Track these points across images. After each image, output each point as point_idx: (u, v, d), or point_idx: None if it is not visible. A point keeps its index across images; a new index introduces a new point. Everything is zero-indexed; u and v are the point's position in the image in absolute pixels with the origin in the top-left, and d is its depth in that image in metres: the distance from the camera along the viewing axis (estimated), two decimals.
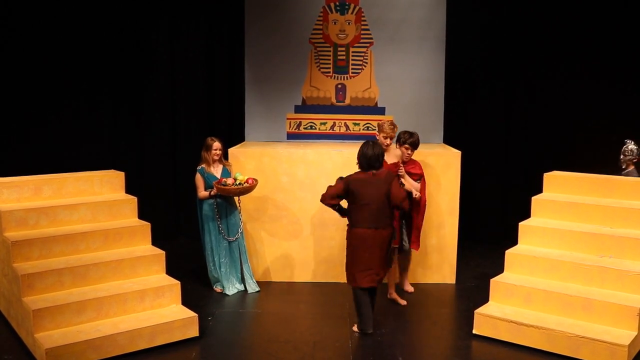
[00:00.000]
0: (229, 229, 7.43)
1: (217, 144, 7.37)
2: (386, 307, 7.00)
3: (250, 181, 7.27)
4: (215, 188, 7.21)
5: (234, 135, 8.91)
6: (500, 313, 6.25)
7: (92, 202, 6.70)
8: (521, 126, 9.58)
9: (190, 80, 9.57)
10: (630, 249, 6.30)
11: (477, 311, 6.37)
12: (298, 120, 8.75)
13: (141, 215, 7.00)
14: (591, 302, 5.99)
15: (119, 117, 9.54)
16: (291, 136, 8.76)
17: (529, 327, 6.01)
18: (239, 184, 7.22)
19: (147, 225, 6.79)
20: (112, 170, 7.31)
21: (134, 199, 6.97)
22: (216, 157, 7.37)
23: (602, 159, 8.67)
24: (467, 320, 6.53)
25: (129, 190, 7.19)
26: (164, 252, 6.65)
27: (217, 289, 7.54)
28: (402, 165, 7.01)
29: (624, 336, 5.72)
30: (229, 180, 7.21)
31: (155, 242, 6.87)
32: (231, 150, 7.90)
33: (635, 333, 5.77)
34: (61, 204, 6.58)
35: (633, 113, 8.99)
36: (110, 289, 6.13)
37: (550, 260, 6.43)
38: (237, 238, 7.47)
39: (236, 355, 5.93)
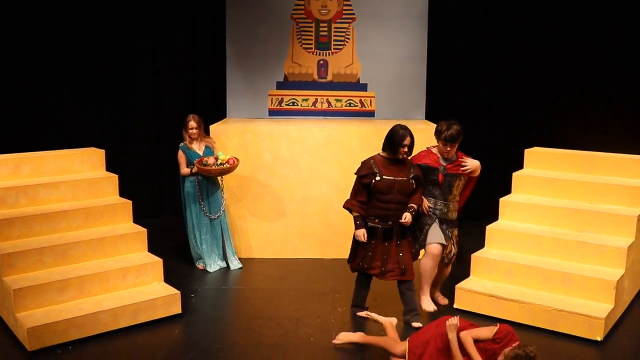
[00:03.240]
0: (210, 206, 7.42)
1: (192, 123, 7.32)
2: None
3: (231, 161, 7.25)
4: (195, 166, 7.19)
5: (216, 112, 8.85)
6: (481, 288, 6.32)
7: (73, 180, 6.66)
8: (503, 102, 9.59)
9: (172, 56, 9.48)
10: (608, 225, 6.38)
11: (458, 286, 6.44)
12: (280, 97, 8.72)
13: (122, 193, 6.97)
14: (570, 277, 6.07)
15: (99, 94, 9.43)
16: (273, 113, 8.74)
17: (509, 301, 6.08)
18: (220, 163, 7.19)
19: (128, 203, 6.76)
20: (92, 147, 7.24)
21: (114, 177, 6.93)
22: (193, 136, 7.33)
23: (583, 136, 8.73)
24: (448, 295, 6.59)
25: (109, 168, 7.14)
26: (145, 229, 6.64)
27: (200, 266, 7.55)
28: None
29: (601, 309, 5.81)
30: (210, 160, 7.18)
31: (138, 220, 6.86)
32: (213, 127, 7.86)
33: (612, 306, 5.87)
34: (41, 182, 6.53)
35: (616, 90, 9.03)
36: (92, 267, 6.12)
37: (531, 235, 6.50)
38: (219, 216, 7.47)
39: (219, 331, 5.96)
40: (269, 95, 8.72)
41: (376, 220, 5.90)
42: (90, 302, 5.87)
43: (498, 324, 5.10)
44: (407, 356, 5.11)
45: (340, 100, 8.76)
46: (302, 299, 6.68)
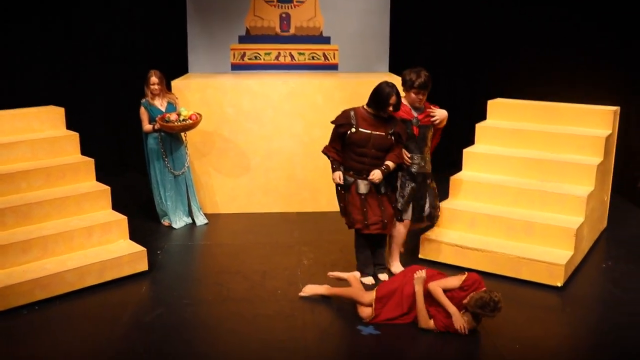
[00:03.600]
0: (174, 162, 7.36)
1: (153, 79, 7.20)
2: (335, 236, 7.09)
3: (194, 117, 7.17)
4: (158, 123, 7.10)
5: (177, 67, 8.70)
6: (446, 238, 6.41)
7: (32, 140, 6.52)
8: (465, 54, 9.60)
9: (130, 11, 9.27)
10: (569, 174, 6.50)
11: (423, 236, 6.52)
12: (242, 51, 8.61)
13: (84, 152, 6.87)
14: (532, 225, 6.19)
15: (54, 52, 9.19)
16: (235, 67, 8.63)
17: (473, 250, 6.18)
18: (183, 119, 7.11)
19: (90, 161, 6.67)
20: (51, 106, 7.09)
21: (75, 135, 6.81)
22: (155, 92, 7.22)
23: (546, 87, 8.79)
24: (413, 245, 6.68)
25: (69, 126, 7.02)
26: (109, 187, 6.57)
27: (165, 222, 7.52)
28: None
29: (562, 256, 5.95)
30: (173, 116, 7.10)
31: (100, 178, 6.78)
32: (174, 83, 7.75)
33: (572, 253, 6.01)
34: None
35: (580, 41, 9.07)
36: (56, 227, 6.06)
37: (494, 185, 6.58)
38: (183, 172, 7.42)
39: (186, 287, 5.98)
40: (231, 49, 8.60)
41: (351, 173, 5.78)
42: (55, 262, 5.83)
43: (466, 273, 5.20)
44: (373, 304, 5.20)
45: (303, 54, 8.68)
46: (268, 252, 6.72)
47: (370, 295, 5.27)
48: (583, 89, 8.33)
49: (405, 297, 5.19)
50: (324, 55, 8.70)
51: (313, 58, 8.67)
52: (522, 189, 6.46)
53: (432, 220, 6.28)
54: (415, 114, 6.04)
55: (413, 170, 6.00)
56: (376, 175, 5.71)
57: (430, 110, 6.11)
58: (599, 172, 6.54)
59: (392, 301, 5.21)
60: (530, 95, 7.70)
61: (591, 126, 6.92)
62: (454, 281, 5.15)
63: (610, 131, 6.86)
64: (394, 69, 8.69)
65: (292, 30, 8.62)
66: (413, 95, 5.97)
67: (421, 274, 5.21)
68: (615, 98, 7.68)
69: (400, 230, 6.15)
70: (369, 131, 5.70)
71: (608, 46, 8.82)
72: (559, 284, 5.84)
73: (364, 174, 5.74)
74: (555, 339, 5.04)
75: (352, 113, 5.78)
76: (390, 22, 8.66)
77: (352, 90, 7.76)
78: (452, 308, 5.04)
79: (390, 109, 5.66)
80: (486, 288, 5.02)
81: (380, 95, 5.65)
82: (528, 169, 6.64)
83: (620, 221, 7.63)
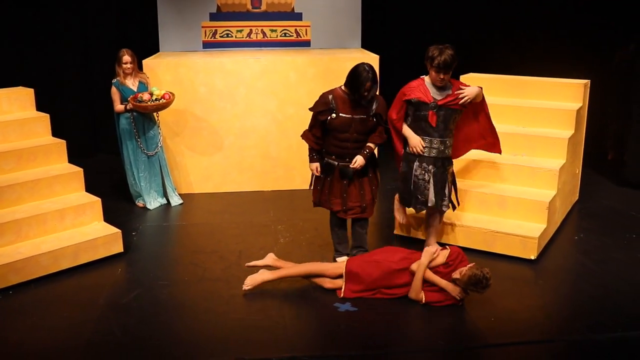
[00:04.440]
0: (147, 143, 7.30)
1: (126, 57, 7.10)
2: (310, 215, 7.11)
3: (166, 96, 7.10)
4: (130, 103, 7.03)
5: (148, 46, 8.62)
6: (420, 213, 6.44)
7: (2, 122, 6.42)
8: (438, 28, 9.59)
9: None
10: (541, 147, 6.58)
11: None
12: (213, 29, 8.53)
13: (55, 133, 6.79)
14: (505, 199, 6.26)
15: (22, 32, 9.02)
16: (207, 45, 8.55)
17: (447, 225, 6.23)
18: (156, 99, 7.04)
19: (62, 143, 6.59)
20: (21, 87, 6.99)
21: (46, 116, 6.72)
22: (128, 71, 7.13)
23: (516, 61, 8.84)
24: (388, 222, 6.72)
25: (40, 107, 6.92)
26: (81, 169, 6.51)
27: (140, 203, 7.48)
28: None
29: (535, 229, 6.02)
30: (145, 96, 7.02)
31: (72, 160, 6.70)
32: (145, 62, 7.66)
33: (545, 225, 6.09)
34: None
35: (549, 16, 9.12)
36: (29, 210, 5.99)
37: (466, 160, 6.62)
38: (156, 152, 7.36)
39: (162, 267, 5.96)
40: (202, 27, 8.51)
41: (333, 157, 5.60)
42: (29, 246, 5.77)
43: (448, 247, 5.24)
44: (344, 275, 5.22)
45: (275, 31, 8.62)
46: (244, 232, 6.72)
47: (340, 268, 5.28)
48: (553, 63, 8.40)
49: (395, 272, 5.22)
50: (296, 31, 8.65)
51: (285, 35, 8.62)
52: (494, 162, 6.51)
53: (440, 207, 5.83)
54: (436, 96, 5.58)
55: (432, 155, 5.63)
56: (359, 161, 5.51)
57: (459, 92, 5.57)
58: (571, 145, 6.62)
59: (371, 275, 5.22)
60: (502, 69, 7.74)
61: (562, 99, 7.00)
62: (440, 257, 5.19)
63: (580, 104, 6.94)
64: (366, 44, 8.67)
65: (263, 7, 8.55)
66: (434, 73, 5.49)
67: (431, 249, 5.24)
68: (584, 71, 7.75)
69: (436, 219, 5.93)
70: (350, 115, 5.46)
71: (576, 20, 8.89)
72: (533, 257, 5.92)
73: (347, 158, 5.56)
74: (529, 311, 5.12)
75: (330, 97, 5.48)
76: None
77: (325, 66, 7.73)
78: (443, 282, 5.09)
79: (365, 94, 5.34)
80: (474, 263, 5.07)
81: (356, 80, 5.32)
82: (500, 143, 6.68)
83: (592, 193, 7.75)
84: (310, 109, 5.62)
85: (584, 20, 8.84)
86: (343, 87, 5.51)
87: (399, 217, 6.25)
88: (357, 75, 5.32)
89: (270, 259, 5.59)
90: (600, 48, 8.74)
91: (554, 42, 8.96)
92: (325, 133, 5.61)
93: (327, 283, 5.34)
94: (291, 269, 5.48)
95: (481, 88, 5.74)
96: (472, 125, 6.02)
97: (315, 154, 5.68)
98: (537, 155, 6.58)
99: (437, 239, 6.09)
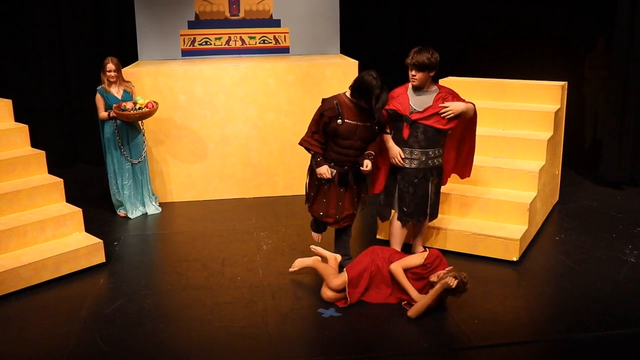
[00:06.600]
0: (132, 151, 7.26)
1: (110, 65, 7.07)
2: (292, 221, 7.10)
3: (150, 105, 7.08)
4: (114, 112, 6.99)
5: (127, 55, 8.58)
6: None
7: None
8: (416, 33, 9.66)
9: None
10: (520, 149, 6.63)
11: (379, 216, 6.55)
12: (192, 37, 8.51)
13: (34, 144, 6.73)
14: (486, 202, 6.30)
15: (0, 40, 8.97)
16: (186, 53, 8.54)
17: (429, 228, 6.24)
18: (139, 108, 7.02)
19: (41, 154, 6.54)
20: None
21: (25, 127, 6.66)
22: (112, 79, 7.10)
23: (494, 65, 8.90)
24: (371, 227, 6.73)
25: (18, 118, 6.86)
26: (62, 179, 6.46)
27: (121, 213, 7.43)
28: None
29: (516, 231, 6.07)
30: (129, 105, 6.99)
31: (52, 170, 6.65)
32: (125, 70, 7.61)
33: (526, 227, 6.13)
34: None
35: (526, 23, 9.20)
36: (8, 222, 5.93)
37: None
38: (140, 160, 7.32)
39: (145, 277, 5.93)
40: (181, 35, 8.49)
41: (331, 164, 5.44)
42: (9, 258, 5.71)
43: (427, 249, 5.26)
44: (347, 288, 5.22)
45: (254, 38, 8.62)
46: (227, 239, 6.70)
47: (342, 278, 5.27)
48: (530, 65, 8.48)
49: (386, 277, 5.25)
50: (275, 38, 8.65)
51: (264, 42, 8.62)
52: (475, 165, 6.51)
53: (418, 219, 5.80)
54: (416, 106, 5.45)
55: (413, 166, 5.54)
56: (369, 165, 5.37)
57: (442, 105, 5.36)
58: (550, 147, 6.68)
59: (369, 282, 5.24)
60: (481, 72, 7.80)
61: (540, 101, 7.07)
62: (417, 259, 5.21)
63: (558, 106, 7.01)
64: (345, 50, 8.70)
65: (241, 14, 8.55)
66: (409, 71, 5.40)
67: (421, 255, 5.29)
68: (560, 72, 7.83)
69: (396, 226, 5.82)
70: (355, 122, 5.32)
71: (551, 23, 8.97)
72: (515, 259, 5.95)
73: (346, 166, 5.46)
74: (513, 312, 5.15)
75: (335, 102, 5.32)
76: (340, 2, 8.63)
77: (304, 72, 7.74)
78: (414, 293, 5.11)
79: (378, 106, 5.16)
80: (452, 267, 5.09)
81: (368, 91, 5.13)
82: (480, 146, 6.66)
83: (572, 194, 7.81)
84: (316, 114, 5.41)
85: (559, 20, 8.94)
86: (347, 94, 5.37)
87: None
88: (366, 85, 5.16)
89: (333, 259, 5.70)
90: (576, 48, 8.83)
91: (530, 44, 9.04)
92: (327, 139, 5.47)
93: (328, 293, 5.32)
94: (319, 263, 5.64)
95: (473, 104, 5.54)
96: (451, 153, 5.92)
97: (320, 158, 5.45)
98: (517, 157, 6.63)
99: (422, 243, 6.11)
